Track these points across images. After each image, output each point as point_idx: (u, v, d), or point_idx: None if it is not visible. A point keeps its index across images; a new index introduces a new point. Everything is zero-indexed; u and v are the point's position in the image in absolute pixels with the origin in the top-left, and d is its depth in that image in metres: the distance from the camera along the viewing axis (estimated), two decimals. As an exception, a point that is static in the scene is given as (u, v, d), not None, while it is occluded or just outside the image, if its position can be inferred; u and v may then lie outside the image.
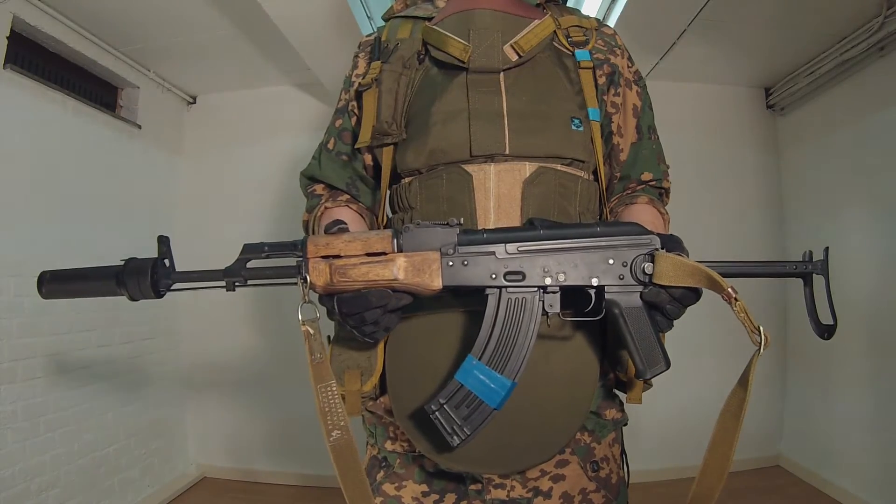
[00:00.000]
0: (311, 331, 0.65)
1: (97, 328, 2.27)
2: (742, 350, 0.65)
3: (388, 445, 0.83)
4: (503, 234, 0.66)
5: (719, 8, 2.08)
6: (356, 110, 0.91)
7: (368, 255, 0.64)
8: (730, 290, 0.59)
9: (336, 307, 0.65)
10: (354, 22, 2.10)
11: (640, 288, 0.65)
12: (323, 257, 0.64)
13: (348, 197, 0.91)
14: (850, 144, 2.43)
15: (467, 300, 0.74)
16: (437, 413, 0.65)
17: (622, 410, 0.85)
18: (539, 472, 0.78)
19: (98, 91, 2.45)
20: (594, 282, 0.65)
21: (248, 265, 0.64)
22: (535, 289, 0.65)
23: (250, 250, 0.64)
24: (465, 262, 0.65)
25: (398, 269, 0.63)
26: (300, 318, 0.64)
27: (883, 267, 2.21)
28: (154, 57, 2.53)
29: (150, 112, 2.67)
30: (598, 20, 0.94)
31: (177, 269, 0.65)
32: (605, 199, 0.88)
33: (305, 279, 0.63)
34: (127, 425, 2.41)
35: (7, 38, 1.87)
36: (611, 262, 0.65)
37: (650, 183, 0.89)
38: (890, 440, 2.14)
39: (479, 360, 0.66)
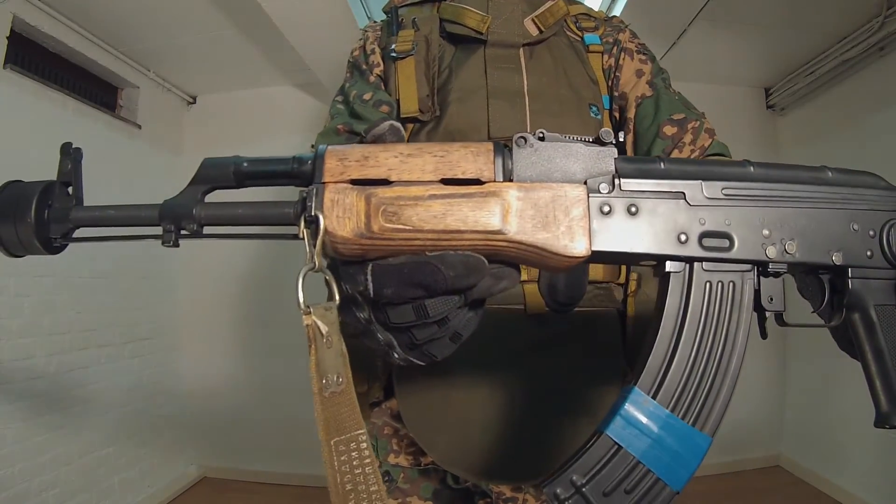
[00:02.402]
0: (324, 328, 0.36)
1: (97, 328, 2.27)
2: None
3: (392, 459, 0.76)
4: (694, 167, 0.40)
5: (719, 8, 2.08)
6: (382, 75, 0.81)
7: (446, 182, 0.36)
8: None
9: (371, 285, 0.36)
10: (354, 22, 2.10)
11: (894, 273, 0.41)
12: (353, 182, 0.36)
13: None
14: (850, 144, 2.43)
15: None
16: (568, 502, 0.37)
17: None
18: None
19: (98, 91, 2.45)
20: (836, 258, 0.40)
21: (208, 199, 0.38)
22: (749, 266, 0.39)
23: (211, 169, 0.39)
24: (633, 209, 0.38)
25: (505, 213, 0.35)
26: (301, 301, 0.35)
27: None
28: (154, 57, 2.53)
29: (150, 112, 2.67)
30: (605, 14, 0.92)
31: (85, 203, 0.40)
32: None
33: (316, 221, 0.35)
34: (127, 425, 2.41)
35: (7, 38, 1.87)
36: (855, 227, 0.41)
37: (689, 124, 0.73)
38: (890, 440, 2.14)
39: (654, 398, 0.37)
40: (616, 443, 0.36)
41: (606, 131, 0.39)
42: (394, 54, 0.77)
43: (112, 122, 2.46)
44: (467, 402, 0.69)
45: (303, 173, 0.37)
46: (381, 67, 0.81)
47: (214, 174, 0.38)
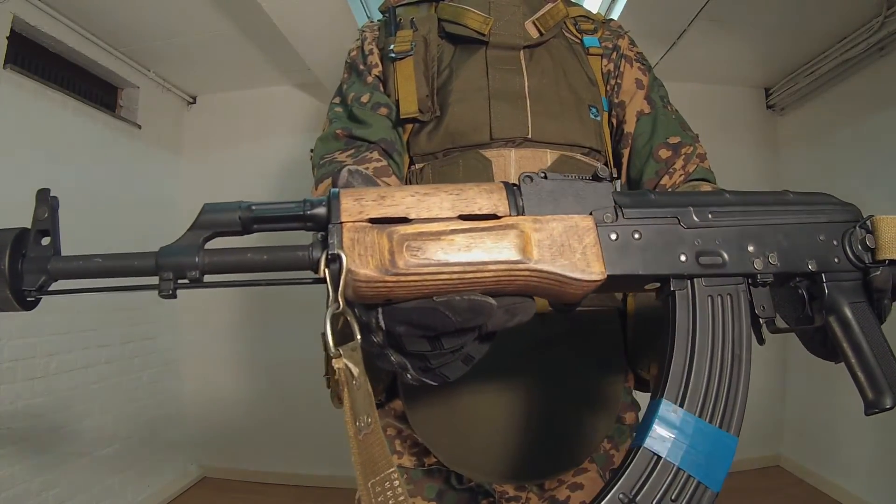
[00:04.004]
0: (355, 370, 0.35)
1: (97, 328, 2.27)
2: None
3: (395, 460, 0.75)
4: (679, 198, 0.45)
5: (719, 8, 2.08)
6: (380, 75, 0.81)
7: (463, 217, 0.37)
8: None
9: (384, 325, 0.38)
10: (354, 22, 2.10)
11: (859, 274, 0.46)
12: (371, 221, 0.36)
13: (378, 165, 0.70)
14: (850, 144, 2.43)
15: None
16: None
17: (637, 414, 0.80)
18: (557, 481, 0.73)
19: (98, 91, 2.45)
20: (811, 266, 0.45)
21: (209, 246, 0.36)
22: (740, 279, 0.43)
23: (217, 215, 0.36)
24: (637, 235, 0.41)
25: (525, 243, 0.37)
26: (330, 342, 0.34)
27: None
28: (154, 57, 2.53)
29: (150, 112, 2.67)
30: (604, 16, 0.92)
31: (62, 253, 0.36)
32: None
33: (339, 260, 0.34)
34: (127, 425, 2.41)
35: (7, 38, 1.87)
36: (821, 238, 0.46)
37: (683, 149, 0.76)
38: (890, 440, 2.14)
39: (681, 405, 0.39)
40: (655, 454, 0.38)
41: (603, 168, 0.42)
42: (392, 55, 0.76)
43: (112, 122, 2.46)
44: (472, 402, 0.69)
45: (315, 216, 0.37)
46: (380, 68, 0.81)
47: (218, 220, 0.36)
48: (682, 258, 0.42)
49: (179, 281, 0.34)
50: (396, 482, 0.37)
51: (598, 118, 0.78)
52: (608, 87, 0.83)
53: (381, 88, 0.80)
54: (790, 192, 0.49)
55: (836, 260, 0.46)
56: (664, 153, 0.77)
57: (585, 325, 0.72)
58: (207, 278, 0.36)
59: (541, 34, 0.77)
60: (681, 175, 0.75)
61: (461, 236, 0.36)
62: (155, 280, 0.34)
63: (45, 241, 0.36)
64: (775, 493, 2.50)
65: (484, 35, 0.75)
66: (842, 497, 2.35)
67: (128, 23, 2.22)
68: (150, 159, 2.68)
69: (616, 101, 0.82)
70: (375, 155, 0.71)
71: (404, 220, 0.36)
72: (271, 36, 2.22)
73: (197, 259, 0.34)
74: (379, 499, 0.36)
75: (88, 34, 2.23)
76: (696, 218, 0.43)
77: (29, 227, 0.35)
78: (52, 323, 2.04)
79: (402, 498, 0.37)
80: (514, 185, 0.40)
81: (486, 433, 0.68)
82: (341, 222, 0.35)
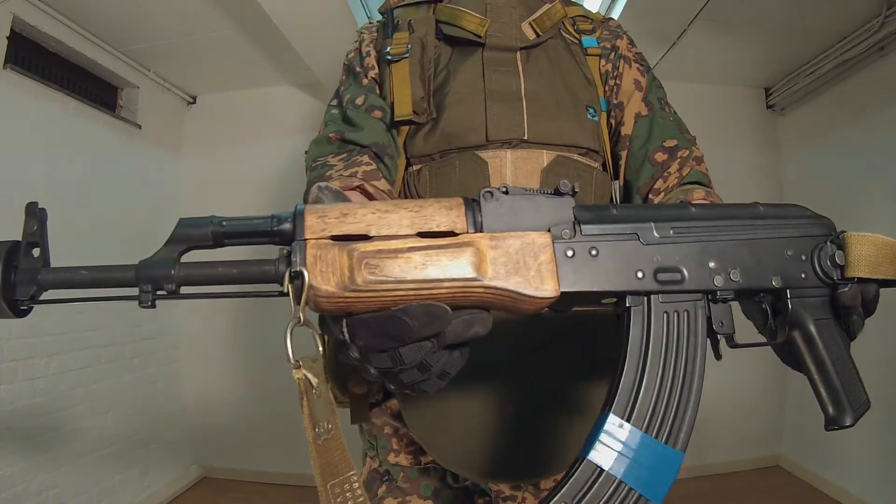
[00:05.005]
0: (314, 380, 0.38)
1: (97, 328, 2.27)
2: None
3: (392, 458, 0.76)
4: (642, 212, 0.45)
5: (719, 8, 2.08)
6: (377, 77, 0.82)
7: (421, 235, 0.38)
8: None
9: (347, 336, 0.39)
10: (355, 22, 2.10)
11: (828, 291, 0.46)
12: (334, 238, 0.37)
13: (366, 169, 0.69)
14: (851, 144, 2.43)
15: None
16: None
17: None
18: (553, 481, 0.73)
19: (98, 91, 2.45)
20: (776, 282, 0.45)
21: (185, 259, 0.38)
22: (699, 295, 0.43)
23: (190, 230, 0.38)
24: (594, 251, 0.41)
25: (480, 261, 0.38)
26: (290, 355, 0.38)
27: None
28: (154, 57, 2.53)
29: (150, 112, 2.67)
30: (603, 16, 0.92)
31: (52, 265, 0.38)
32: (617, 195, 0.81)
33: (301, 277, 0.36)
34: (127, 425, 2.41)
35: (7, 38, 1.87)
36: (789, 253, 0.46)
37: (679, 153, 0.76)
38: (891, 440, 2.14)
39: (629, 421, 0.40)
40: (598, 466, 0.39)
41: (564, 183, 0.42)
42: (388, 57, 0.76)
43: (112, 122, 2.46)
44: (467, 402, 0.69)
45: (282, 232, 0.38)
46: (376, 70, 0.81)
47: (191, 234, 0.38)
48: (640, 275, 0.42)
49: (158, 292, 0.37)
50: (356, 484, 0.39)
51: (596, 118, 0.78)
52: (606, 88, 0.83)
53: (377, 90, 0.80)
54: (760, 204, 0.48)
55: (803, 275, 0.46)
56: (660, 157, 0.77)
57: (582, 326, 0.72)
58: (184, 290, 0.38)
59: (537, 35, 0.78)
60: (675, 178, 0.75)
61: (418, 254, 0.37)
62: (135, 291, 0.36)
63: (36, 252, 0.38)
64: (775, 493, 2.50)
65: (480, 37, 0.76)
66: (842, 497, 2.35)
67: (128, 23, 2.22)
68: (150, 159, 2.68)
69: (615, 101, 0.82)
70: (366, 159, 0.71)
71: (365, 238, 0.37)
72: (271, 36, 2.22)
73: (172, 272, 0.36)
74: (338, 499, 0.38)
75: (88, 34, 2.23)
76: (656, 234, 0.43)
77: (20, 239, 0.37)
78: (52, 323, 2.04)
79: (361, 499, 0.39)
80: (475, 200, 0.41)
81: (479, 432, 0.68)
82: (305, 239, 0.37)
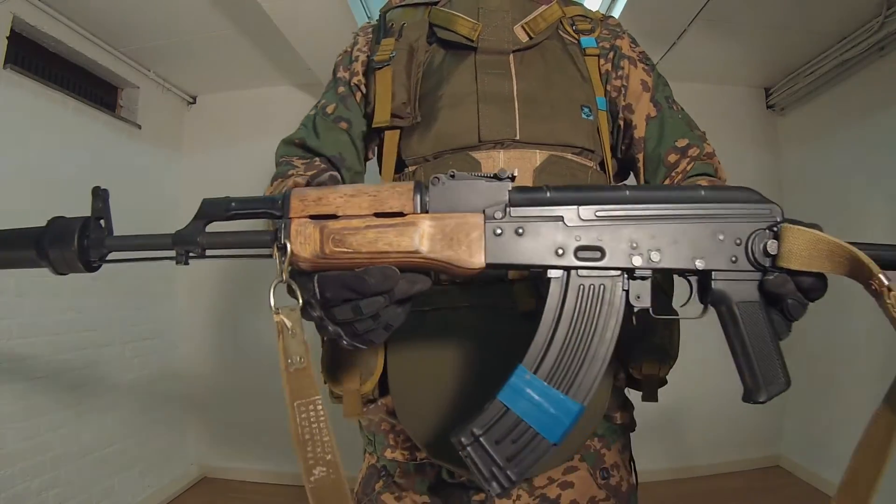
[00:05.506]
0: (289, 323, 0.48)
1: (97, 328, 2.27)
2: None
3: (389, 454, 0.78)
4: (575, 194, 0.49)
5: (719, 8, 2.08)
6: (361, 86, 0.85)
7: (378, 215, 0.47)
8: (881, 276, 0.44)
9: (317, 290, 0.48)
10: (355, 22, 2.10)
11: (759, 275, 0.49)
12: (312, 217, 0.47)
13: (331, 174, 0.77)
14: (851, 144, 2.43)
15: (482, 292, 0.68)
16: (469, 449, 0.48)
17: (631, 414, 0.81)
18: (547, 479, 0.74)
19: (98, 91, 2.45)
20: (699, 264, 0.48)
21: (209, 229, 0.49)
22: (619, 272, 0.49)
23: (210, 207, 0.49)
24: (520, 230, 0.48)
25: (421, 237, 0.46)
26: (272, 303, 0.48)
27: None
28: (154, 57, 2.53)
29: (150, 112, 2.67)
30: (602, 14, 0.92)
31: (114, 233, 0.50)
32: None
33: (285, 248, 0.46)
34: (127, 425, 2.41)
35: (7, 38, 1.87)
36: (721, 237, 0.49)
37: (690, 151, 0.78)
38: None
39: (535, 373, 0.49)
40: (505, 405, 0.48)
41: (502, 170, 0.49)
42: (374, 64, 0.79)
43: (112, 122, 2.46)
44: (459, 399, 0.70)
45: (276, 212, 0.48)
46: (360, 76, 0.84)
47: (212, 211, 0.49)
48: (559, 252, 0.48)
49: (189, 254, 0.48)
50: (319, 406, 0.48)
51: (591, 118, 0.79)
52: (610, 88, 0.84)
53: (356, 97, 0.84)
54: (703, 187, 0.51)
55: (733, 259, 0.49)
56: (673, 157, 0.78)
57: None
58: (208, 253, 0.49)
59: (530, 37, 0.78)
60: (681, 176, 0.77)
61: (372, 231, 0.46)
62: (172, 253, 0.49)
63: (102, 223, 0.50)
64: (775, 493, 2.50)
65: (472, 41, 0.77)
66: (842, 497, 2.35)
67: (128, 23, 2.22)
68: (150, 159, 2.68)
69: (623, 103, 0.83)
70: (323, 166, 0.77)
71: (334, 217, 0.47)
72: (271, 36, 2.22)
73: (199, 238, 0.48)
74: (302, 416, 0.48)
75: (88, 34, 2.23)
76: (580, 216, 0.48)
77: (90, 215, 0.49)
78: (52, 323, 2.04)
79: (322, 420, 0.48)
80: (425, 185, 0.49)
81: None
82: (290, 218, 0.47)
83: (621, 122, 0.83)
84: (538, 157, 0.74)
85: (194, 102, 2.99)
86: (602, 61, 0.83)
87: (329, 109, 0.83)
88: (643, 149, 0.81)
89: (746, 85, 2.91)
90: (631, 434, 0.83)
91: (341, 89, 0.85)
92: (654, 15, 2.15)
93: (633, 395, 0.82)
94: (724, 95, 2.89)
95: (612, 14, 2.18)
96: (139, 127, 2.61)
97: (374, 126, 0.79)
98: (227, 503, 2.61)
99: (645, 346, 0.73)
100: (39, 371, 1.99)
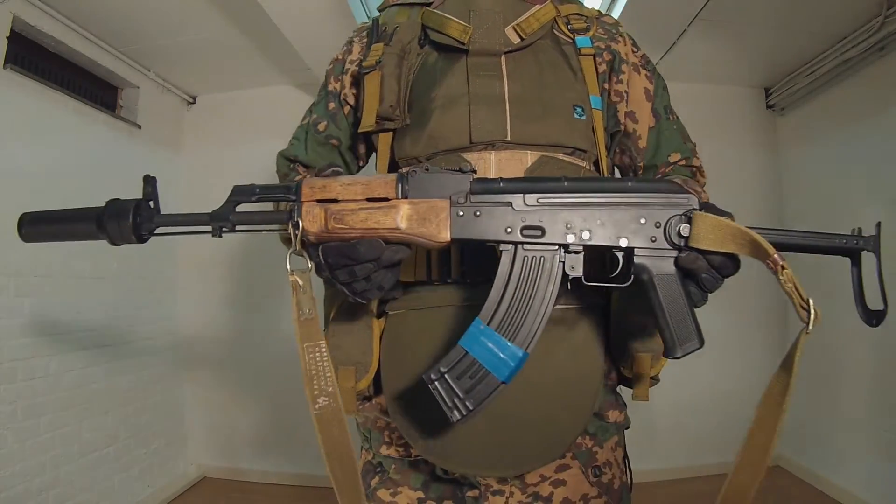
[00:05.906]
0: (301, 282, 0.60)
1: (97, 328, 2.27)
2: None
3: (384, 450, 0.80)
4: (522, 185, 0.61)
5: (719, 8, 2.08)
6: (349, 99, 0.89)
7: (369, 200, 0.60)
8: (776, 256, 0.52)
9: (321, 258, 0.60)
10: (354, 22, 2.10)
11: (675, 253, 0.59)
12: (319, 201, 0.60)
13: (333, 169, 0.83)
14: (851, 144, 2.43)
15: (473, 294, 0.71)
16: (436, 383, 0.59)
17: (625, 412, 0.82)
18: (539, 477, 0.75)
19: (98, 91, 2.45)
20: (622, 242, 0.59)
21: (238, 209, 0.60)
22: (556, 247, 0.60)
23: (240, 193, 0.61)
24: (478, 213, 0.59)
25: (401, 217, 0.59)
26: (288, 267, 0.60)
27: (883, 266, 2.21)
28: (154, 57, 2.53)
29: (150, 112, 2.67)
30: (598, 11, 0.92)
31: (161, 213, 0.62)
32: None
33: (297, 224, 0.59)
34: (127, 425, 2.41)
35: (7, 38, 1.87)
36: (642, 221, 0.59)
37: (679, 163, 0.85)
38: (890, 440, 2.14)
39: (488, 325, 0.60)
40: (465, 349, 0.60)
41: (465, 165, 0.61)
42: (363, 70, 0.82)
43: (112, 122, 2.46)
44: None
45: (291, 196, 0.61)
46: (348, 89, 0.89)
47: (241, 195, 0.61)
48: (508, 230, 0.60)
49: (222, 229, 0.60)
50: (324, 349, 0.62)
51: (584, 117, 0.79)
52: (610, 91, 0.84)
53: (344, 110, 0.89)
54: (630, 180, 0.62)
55: (653, 239, 0.59)
56: (665, 171, 0.85)
57: (568, 321, 0.74)
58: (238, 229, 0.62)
59: (521, 39, 0.79)
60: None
61: (364, 212, 0.59)
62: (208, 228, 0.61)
63: (151, 204, 0.61)
64: (775, 493, 2.50)
65: (464, 44, 0.78)
66: (842, 497, 2.35)
67: (128, 23, 2.22)
68: (150, 159, 2.68)
69: (626, 110, 0.84)
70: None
71: (335, 201, 0.60)
72: (271, 36, 2.22)
73: (231, 217, 0.60)
74: (309, 355, 0.61)
75: (88, 34, 2.23)
76: (524, 202, 0.60)
77: (141, 198, 0.61)
78: (52, 323, 2.04)
79: (326, 360, 0.62)
80: (405, 176, 0.60)
81: (462, 427, 0.69)
82: (302, 201, 0.60)
83: (622, 127, 0.85)
84: (529, 157, 0.75)
85: (194, 102, 2.99)
86: (598, 60, 0.83)
87: (321, 127, 0.90)
88: (644, 158, 0.85)
89: (746, 85, 2.91)
90: (625, 431, 0.84)
91: (332, 105, 0.90)
92: (654, 15, 2.15)
93: (626, 394, 0.83)
94: (724, 95, 2.89)
95: (612, 14, 2.18)
96: (139, 127, 2.61)
97: (360, 131, 0.82)
98: (226, 503, 2.61)
99: (637, 345, 0.75)
100: (39, 371, 1.99)
